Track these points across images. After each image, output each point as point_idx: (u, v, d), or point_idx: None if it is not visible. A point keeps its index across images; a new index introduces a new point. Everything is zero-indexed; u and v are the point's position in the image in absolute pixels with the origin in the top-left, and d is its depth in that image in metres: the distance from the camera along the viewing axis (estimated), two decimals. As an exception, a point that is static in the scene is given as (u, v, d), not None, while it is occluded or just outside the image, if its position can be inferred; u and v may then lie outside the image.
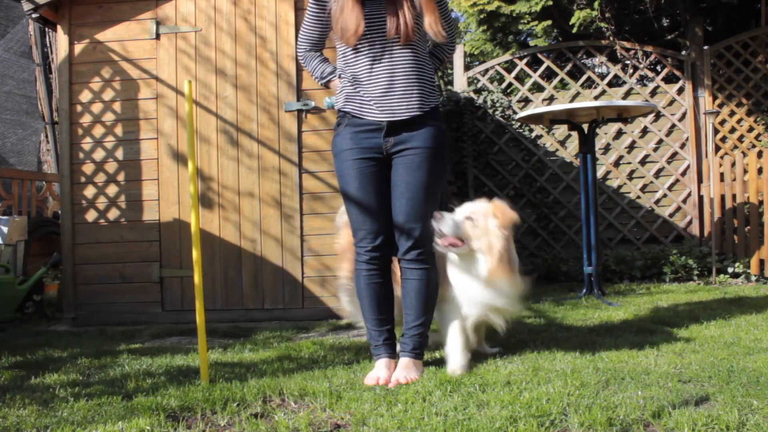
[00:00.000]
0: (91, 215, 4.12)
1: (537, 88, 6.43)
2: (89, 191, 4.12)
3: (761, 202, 5.01)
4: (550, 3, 6.11)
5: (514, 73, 6.29)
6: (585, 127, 4.54)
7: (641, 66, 6.17)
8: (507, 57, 6.49)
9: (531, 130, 6.18)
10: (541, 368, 2.37)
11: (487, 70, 6.40)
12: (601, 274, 4.80)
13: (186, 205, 4.04)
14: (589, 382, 2.15)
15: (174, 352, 2.99)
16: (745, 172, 5.12)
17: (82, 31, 4.12)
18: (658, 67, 6.31)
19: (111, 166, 4.12)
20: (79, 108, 4.13)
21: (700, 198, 5.92)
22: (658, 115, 6.06)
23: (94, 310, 4.09)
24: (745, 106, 6.05)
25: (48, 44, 7.12)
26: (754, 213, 5.05)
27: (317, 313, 3.94)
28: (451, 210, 2.55)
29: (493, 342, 2.86)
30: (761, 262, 4.96)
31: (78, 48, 4.13)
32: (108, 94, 4.11)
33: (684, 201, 5.99)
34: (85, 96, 4.13)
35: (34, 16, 4.13)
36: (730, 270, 5.16)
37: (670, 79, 6.13)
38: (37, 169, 7.08)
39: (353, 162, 2.48)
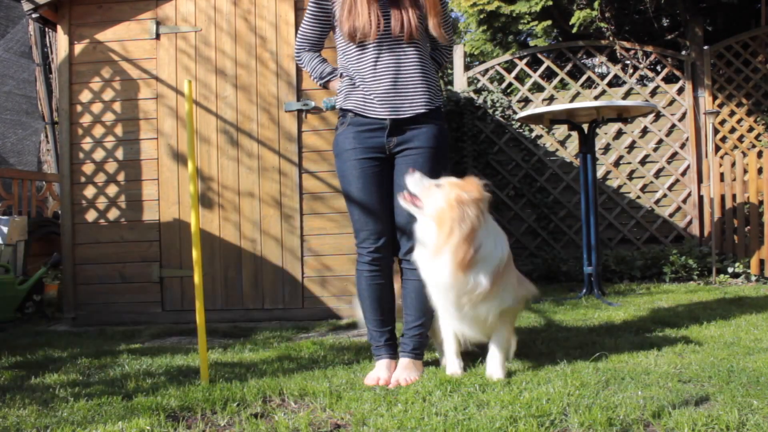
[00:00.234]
0: (91, 215, 4.12)
1: (537, 88, 6.43)
2: (89, 191, 4.12)
3: (761, 202, 5.01)
4: (550, 3, 6.11)
5: (514, 73, 6.29)
6: (585, 127, 4.54)
7: (641, 66, 6.17)
8: (507, 57, 6.49)
9: (531, 130, 6.18)
10: (541, 368, 2.36)
11: (487, 70, 6.40)
12: (601, 274, 4.80)
13: (186, 205, 4.04)
14: (589, 382, 2.15)
15: (174, 352, 2.99)
16: (745, 172, 5.12)
17: (82, 31, 4.12)
18: (658, 67, 6.31)
19: (111, 166, 4.12)
20: (79, 108, 4.13)
21: (700, 198, 5.92)
22: (658, 115, 6.06)
23: (94, 310, 4.09)
24: (745, 106, 6.05)
25: (48, 44, 7.12)
26: (754, 213, 5.05)
27: (317, 313, 3.94)
28: None
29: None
30: (761, 262, 4.96)
31: (78, 48, 4.13)
32: (108, 94, 4.11)
33: (684, 201, 5.99)
34: (85, 96, 4.13)
35: (34, 16, 4.14)
36: (730, 270, 5.16)
37: (670, 79, 6.13)
38: (37, 169, 7.08)
39: (356, 162, 2.48)
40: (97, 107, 4.12)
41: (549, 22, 6.39)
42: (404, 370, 2.41)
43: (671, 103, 6.07)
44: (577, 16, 6.08)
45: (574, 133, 5.73)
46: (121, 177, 4.11)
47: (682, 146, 6.02)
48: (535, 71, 6.26)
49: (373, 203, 2.47)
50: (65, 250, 4.12)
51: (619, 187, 6.08)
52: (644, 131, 6.10)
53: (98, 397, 2.17)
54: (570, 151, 6.11)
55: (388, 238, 2.49)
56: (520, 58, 6.31)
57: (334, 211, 3.96)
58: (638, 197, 6.04)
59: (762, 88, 6.05)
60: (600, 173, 6.04)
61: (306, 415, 1.92)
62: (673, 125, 6.03)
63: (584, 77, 6.27)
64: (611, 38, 6.19)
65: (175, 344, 3.33)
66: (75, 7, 4.12)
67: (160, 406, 2.05)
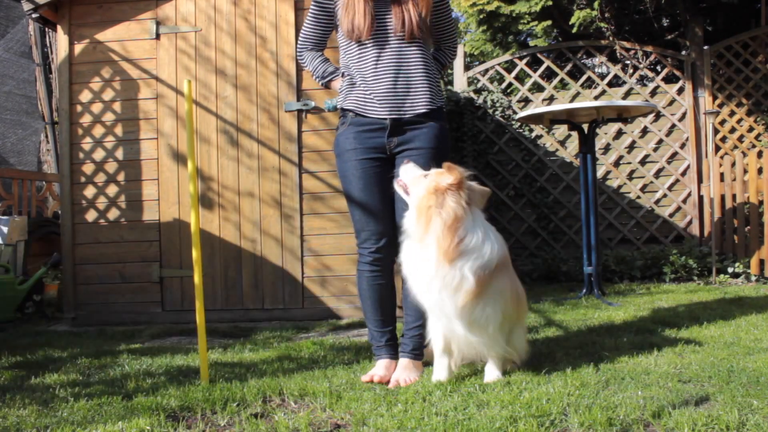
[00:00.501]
0: (91, 215, 4.12)
1: (537, 88, 6.43)
2: (89, 191, 4.12)
3: (761, 202, 5.01)
4: (550, 3, 6.11)
5: (514, 73, 6.29)
6: (585, 127, 4.54)
7: (641, 66, 6.17)
8: (507, 57, 6.49)
9: (531, 130, 6.18)
10: (541, 368, 2.36)
11: (487, 70, 6.40)
12: (601, 274, 4.80)
13: (186, 205, 4.04)
14: (589, 382, 2.15)
15: (174, 352, 2.99)
16: (745, 172, 5.12)
17: (82, 31, 4.12)
18: (658, 67, 6.31)
19: (111, 166, 4.12)
20: (79, 108, 4.13)
21: (700, 198, 5.92)
22: (658, 115, 6.06)
23: (94, 310, 4.09)
24: (745, 106, 6.05)
25: (48, 44, 7.12)
26: (754, 213, 5.05)
27: (317, 313, 3.94)
28: None
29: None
30: (761, 262, 4.96)
31: (78, 48, 4.13)
32: (108, 94, 4.11)
33: (684, 201, 5.99)
34: (85, 96, 4.13)
35: (34, 16, 4.14)
36: (730, 270, 5.16)
37: (670, 79, 6.13)
38: (37, 169, 7.08)
39: (357, 162, 2.47)
40: (97, 107, 4.12)
41: (549, 22, 6.39)
42: (404, 371, 2.41)
43: (671, 103, 6.07)
44: (577, 16, 6.08)
45: (574, 133, 5.73)
46: (121, 177, 4.11)
47: (682, 146, 6.02)
48: (535, 71, 6.26)
49: (374, 204, 2.47)
50: (65, 250, 4.12)
51: (619, 187, 6.08)
52: (644, 131, 6.10)
53: (98, 397, 2.17)
54: (570, 151, 6.11)
55: (390, 238, 2.48)
56: (520, 58, 6.31)
57: (334, 211, 3.96)
58: (638, 197, 6.04)
59: (762, 88, 6.05)
60: (600, 173, 6.04)
61: (306, 415, 1.92)
62: (673, 125, 6.03)
63: (584, 77, 6.27)
64: (611, 38, 6.19)
65: (175, 344, 3.33)
66: (75, 7, 4.12)
67: (160, 406, 2.05)
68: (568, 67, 6.35)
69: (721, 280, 5.13)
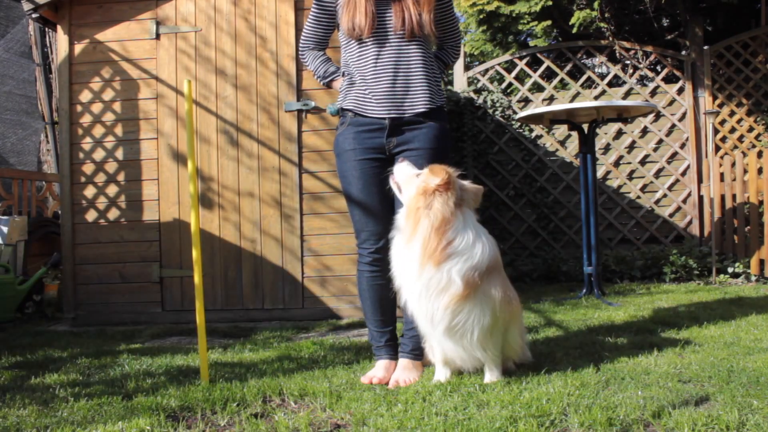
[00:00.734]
0: (91, 215, 4.12)
1: (537, 88, 6.43)
2: (89, 191, 4.12)
3: (761, 202, 5.01)
4: (550, 3, 6.11)
5: (514, 73, 6.29)
6: (585, 127, 4.54)
7: (641, 66, 6.17)
8: (507, 57, 6.49)
9: (531, 130, 6.18)
10: (541, 368, 2.36)
11: (487, 70, 6.40)
12: (601, 274, 4.80)
13: (186, 205, 4.04)
14: (589, 382, 2.15)
15: (174, 352, 2.99)
16: (745, 172, 5.12)
17: (82, 31, 4.12)
18: (658, 67, 6.31)
19: (111, 166, 4.12)
20: (79, 108, 4.13)
21: (700, 198, 5.92)
22: (658, 115, 6.06)
23: (94, 310, 4.09)
24: (745, 106, 6.05)
25: (48, 44, 7.12)
26: (754, 213, 5.05)
27: (317, 313, 3.94)
28: None
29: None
30: (761, 262, 4.96)
31: (78, 48, 4.13)
32: (108, 94, 4.11)
33: (684, 201, 5.99)
34: (85, 96, 4.13)
35: (34, 16, 4.14)
36: (730, 270, 5.16)
37: (670, 79, 6.13)
38: (37, 169, 7.08)
39: (356, 162, 2.47)
40: (97, 107, 4.12)
41: (549, 22, 6.39)
42: (404, 371, 2.41)
43: (671, 103, 6.07)
44: (577, 16, 6.08)
45: (574, 133, 5.73)
46: (121, 177, 4.11)
47: (682, 146, 6.02)
48: (535, 71, 6.26)
49: (373, 204, 2.47)
50: (65, 250, 4.12)
51: (619, 187, 6.08)
52: (644, 131, 6.10)
53: (98, 397, 2.17)
54: (570, 151, 6.11)
55: (389, 238, 2.48)
56: (520, 58, 6.31)
57: (334, 211, 3.96)
58: (638, 197, 6.04)
59: (762, 88, 6.05)
60: (600, 173, 6.04)
61: (306, 415, 1.92)
62: (673, 125, 6.03)
63: (584, 77, 6.27)
64: (611, 38, 6.19)
65: (175, 344, 3.33)
66: (75, 7, 4.12)
67: (160, 406, 2.05)
68: (568, 67, 6.35)
69: (721, 280, 5.13)
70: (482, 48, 7.55)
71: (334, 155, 2.59)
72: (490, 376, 2.25)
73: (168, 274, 4.05)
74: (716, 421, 1.73)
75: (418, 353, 2.48)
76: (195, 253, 2.37)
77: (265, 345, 3.15)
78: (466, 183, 2.27)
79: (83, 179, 4.13)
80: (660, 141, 6.04)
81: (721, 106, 6.06)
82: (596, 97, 6.08)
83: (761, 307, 3.70)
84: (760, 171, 4.97)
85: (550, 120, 4.63)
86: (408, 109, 2.44)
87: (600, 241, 4.88)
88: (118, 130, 4.11)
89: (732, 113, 6.08)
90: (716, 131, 6.03)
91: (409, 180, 2.27)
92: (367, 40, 2.44)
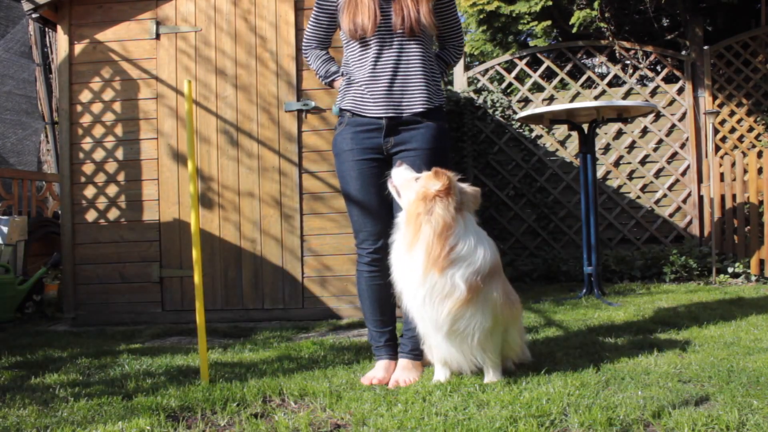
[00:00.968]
0: (91, 215, 4.12)
1: (537, 88, 6.43)
2: (89, 191, 4.12)
3: (761, 202, 5.01)
4: (550, 3, 6.11)
5: (514, 73, 6.29)
6: (585, 127, 4.54)
7: (641, 66, 6.17)
8: (507, 57, 6.49)
9: (531, 130, 6.18)
10: (541, 368, 2.36)
11: (487, 70, 6.39)
12: (601, 274, 4.80)
13: (186, 205, 4.04)
14: (589, 382, 2.15)
15: (174, 352, 2.99)
16: (745, 172, 5.12)
17: (82, 31, 4.12)
18: (658, 67, 6.31)
19: (111, 166, 4.12)
20: (79, 108, 4.13)
21: (700, 198, 5.92)
22: (658, 115, 6.06)
23: (94, 310, 4.09)
24: (745, 106, 6.05)
25: (48, 44, 7.12)
26: (754, 213, 5.05)
27: (317, 313, 3.94)
28: None
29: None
30: (761, 262, 4.96)
31: (78, 48, 4.13)
32: (108, 94, 4.11)
33: (684, 201, 5.99)
34: (85, 96, 4.13)
35: (34, 16, 4.14)
36: (730, 270, 5.16)
37: (670, 79, 6.13)
38: (37, 169, 7.08)
39: (354, 163, 2.47)
40: (97, 107, 4.12)
41: (549, 22, 6.39)
42: (403, 371, 2.41)
43: (671, 103, 6.07)
44: (577, 16, 6.08)
45: (574, 133, 5.73)
46: (121, 177, 4.11)
47: (682, 146, 6.02)
48: (535, 71, 6.26)
49: (371, 204, 2.47)
50: (65, 250, 4.12)
51: (619, 187, 6.08)
52: (644, 131, 6.10)
53: (98, 397, 2.17)
54: (570, 151, 6.11)
55: (388, 239, 2.48)
56: (520, 58, 6.31)
57: (334, 211, 3.96)
58: (638, 197, 6.04)
59: (762, 88, 6.05)
60: (600, 173, 6.04)
61: (306, 415, 1.92)
62: (673, 125, 6.03)
63: (584, 77, 6.27)
64: (611, 38, 6.19)
65: (175, 344, 3.33)
66: (75, 7, 4.12)
67: (160, 406, 2.05)
68: (568, 67, 6.35)
69: (721, 280, 5.13)
70: (482, 48, 7.55)
71: (333, 155, 2.59)
72: (490, 376, 2.25)
73: (168, 274, 4.05)
74: (716, 421, 1.73)
75: (417, 353, 2.48)
76: (195, 253, 2.37)
77: (265, 345, 3.15)
78: (465, 186, 2.26)
79: (83, 179, 4.13)
80: (660, 141, 6.04)
81: (721, 106, 6.06)
82: (596, 97, 6.08)
83: (761, 307, 3.70)
84: (760, 171, 4.97)
85: (550, 120, 4.63)
86: (406, 109, 2.44)
87: (600, 241, 4.88)
88: (118, 130, 4.11)
89: (732, 113, 6.08)
90: (716, 131, 6.03)
91: (407, 184, 2.25)
92: (369, 40, 2.44)
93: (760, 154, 4.99)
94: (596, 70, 6.87)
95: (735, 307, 3.73)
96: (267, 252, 4.00)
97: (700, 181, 5.94)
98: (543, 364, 2.43)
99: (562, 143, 6.17)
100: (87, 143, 4.13)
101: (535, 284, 5.45)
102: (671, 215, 5.99)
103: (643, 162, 6.07)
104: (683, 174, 6.00)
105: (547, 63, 6.24)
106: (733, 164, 5.27)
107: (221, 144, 4.04)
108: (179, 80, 4.04)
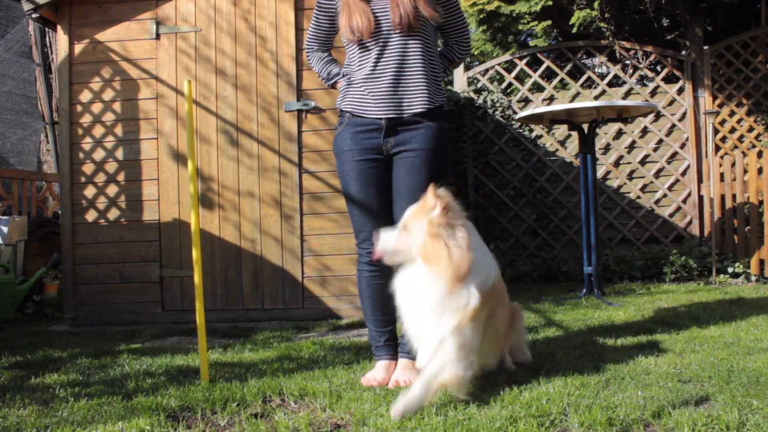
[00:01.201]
0: (91, 215, 4.12)
1: (537, 88, 6.43)
2: (89, 191, 4.12)
3: (761, 202, 5.01)
4: (550, 3, 6.11)
5: (514, 73, 6.29)
6: (585, 127, 4.54)
7: (641, 66, 6.17)
8: (507, 57, 6.49)
9: (531, 130, 6.18)
10: (541, 368, 2.36)
11: (487, 70, 6.39)
12: (601, 274, 4.80)
13: (186, 205, 4.04)
14: (589, 382, 2.15)
15: (174, 352, 2.99)
16: (745, 172, 5.12)
17: (82, 31, 4.12)
18: (658, 67, 6.31)
19: (111, 166, 4.12)
20: (79, 108, 4.13)
21: (700, 198, 5.92)
22: (658, 115, 6.06)
23: (94, 310, 4.09)
24: (745, 106, 6.05)
25: (48, 44, 7.12)
26: (754, 213, 5.05)
27: (317, 313, 3.94)
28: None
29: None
30: (761, 262, 4.96)
31: (78, 48, 4.13)
32: (108, 94, 4.11)
33: (684, 201, 5.99)
34: (85, 96, 4.13)
35: (34, 16, 4.14)
36: (730, 270, 5.16)
37: (670, 79, 6.13)
38: (37, 169, 7.08)
39: (354, 163, 2.47)
40: (97, 107, 4.12)
41: (549, 22, 6.39)
42: (403, 371, 2.40)
43: (671, 103, 6.07)
44: (577, 16, 6.08)
45: (574, 133, 5.73)
46: (121, 177, 4.11)
47: (682, 146, 6.02)
48: (535, 71, 6.26)
49: (372, 204, 2.47)
50: (65, 250, 4.12)
51: (619, 187, 6.08)
52: (644, 131, 6.10)
53: (98, 397, 2.17)
54: (570, 151, 6.11)
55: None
56: (520, 58, 6.31)
57: (334, 211, 3.96)
58: (638, 197, 6.04)
59: (762, 88, 6.05)
60: (600, 173, 6.04)
61: (306, 415, 1.92)
62: (673, 125, 6.03)
63: (584, 77, 6.27)
64: (611, 38, 6.19)
65: (175, 344, 3.33)
66: (75, 7, 4.12)
67: (160, 406, 2.05)
68: (568, 67, 6.35)
69: (721, 280, 5.13)
70: (482, 48, 7.55)
71: (334, 155, 2.59)
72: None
73: (168, 274, 4.05)
74: (716, 421, 1.73)
75: (418, 353, 2.48)
76: (195, 253, 2.37)
77: (265, 345, 3.15)
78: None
79: (83, 179, 4.13)
80: (660, 141, 6.04)
81: (721, 106, 6.06)
82: (596, 97, 6.08)
83: (761, 307, 3.70)
84: (760, 171, 4.97)
85: (550, 120, 4.63)
86: (406, 110, 2.43)
87: (600, 241, 4.87)
88: (118, 130, 4.11)
89: (732, 113, 6.08)
90: (716, 131, 6.03)
91: (400, 236, 2.10)
92: (367, 42, 2.44)
93: (760, 154, 4.99)
94: (596, 70, 6.87)
95: (735, 307, 3.73)
96: (267, 252, 4.00)
97: (700, 181, 5.94)
98: (543, 364, 2.43)
99: (562, 143, 6.17)
100: (87, 143, 4.13)
101: (535, 284, 5.45)
102: (671, 215, 5.99)
103: (643, 162, 6.07)
104: (683, 174, 6.00)
105: (547, 63, 6.24)
106: (733, 164, 5.27)
107: (221, 144, 4.04)
108: (179, 80, 4.04)
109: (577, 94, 6.16)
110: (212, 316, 3.83)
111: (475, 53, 7.71)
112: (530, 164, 6.13)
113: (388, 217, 2.47)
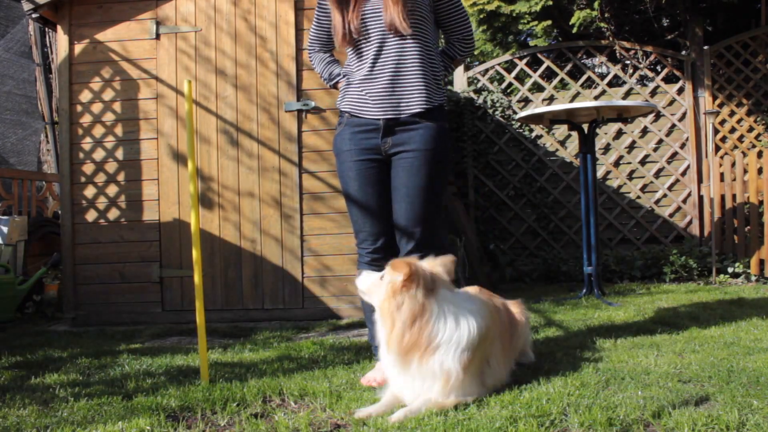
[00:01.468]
0: (91, 215, 4.12)
1: (537, 88, 6.43)
2: (89, 191, 4.12)
3: (761, 202, 5.01)
4: (550, 3, 6.11)
5: (514, 73, 6.29)
6: (585, 127, 4.54)
7: (641, 66, 6.17)
8: (507, 57, 6.49)
9: (531, 130, 6.18)
10: (541, 368, 2.36)
11: (487, 70, 6.40)
12: (601, 274, 4.80)
13: (186, 205, 4.04)
14: (589, 382, 2.15)
15: (174, 352, 2.99)
16: (745, 172, 5.12)
17: (82, 31, 4.12)
18: (658, 67, 6.31)
19: (111, 166, 4.12)
20: (79, 108, 4.13)
21: (700, 198, 5.92)
22: (658, 115, 6.06)
23: (94, 310, 4.08)
24: (745, 106, 6.05)
25: (48, 44, 7.12)
26: (754, 213, 5.05)
27: (317, 313, 3.94)
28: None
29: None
30: (761, 262, 4.96)
31: (78, 48, 4.13)
32: (108, 94, 4.11)
33: (684, 201, 5.99)
34: (85, 96, 4.13)
35: (34, 16, 4.14)
36: (730, 270, 5.16)
37: (670, 79, 6.13)
38: (37, 169, 7.08)
39: (353, 163, 2.47)
40: (97, 107, 4.12)
41: (549, 22, 6.39)
42: (404, 371, 2.40)
43: (671, 103, 6.07)
44: (577, 16, 6.08)
45: (574, 133, 5.73)
46: (121, 177, 4.11)
47: (682, 146, 6.02)
48: (535, 71, 6.26)
49: (371, 204, 2.47)
50: (65, 250, 4.12)
51: (619, 187, 6.08)
52: (644, 131, 6.10)
53: (98, 397, 2.17)
54: (570, 151, 6.11)
55: (387, 238, 2.48)
56: (520, 58, 6.31)
57: (334, 211, 3.96)
58: (638, 197, 6.04)
59: (762, 88, 6.05)
60: (600, 173, 6.04)
61: (306, 415, 1.92)
62: (673, 125, 6.03)
63: (584, 77, 6.27)
64: (611, 38, 6.19)
65: (175, 344, 3.33)
66: (75, 7, 4.12)
67: (160, 406, 2.05)
68: (568, 67, 6.35)
69: (721, 280, 5.13)
70: (482, 48, 7.55)
71: (334, 155, 2.59)
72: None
73: (168, 274, 4.05)
74: (716, 421, 1.73)
75: (418, 353, 2.48)
76: (195, 253, 2.37)
77: (265, 345, 3.15)
78: (436, 261, 2.09)
79: (83, 179, 4.13)
80: (660, 141, 6.04)
81: (721, 106, 6.06)
82: (596, 97, 6.08)
83: (761, 307, 3.70)
84: (760, 171, 4.97)
85: (550, 120, 4.63)
86: (404, 110, 2.42)
87: (600, 241, 4.88)
88: (118, 130, 4.11)
89: (732, 113, 6.08)
90: (716, 131, 6.03)
91: (375, 287, 2.11)
92: (362, 45, 2.44)
93: (760, 154, 4.99)
94: (596, 70, 6.87)
95: (735, 307, 3.73)
96: (267, 252, 4.00)
97: (700, 181, 5.94)
98: (543, 364, 2.43)
99: (562, 143, 6.17)
100: (87, 143, 4.13)
101: (535, 284, 5.45)
102: (671, 215, 5.99)
103: (643, 162, 6.07)
104: (683, 174, 6.00)
105: (547, 63, 6.25)
106: (733, 164, 5.27)
107: (221, 144, 4.04)
108: (179, 80, 4.04)
109: (577, 94, 6.17)
110: (212, 316, 3.83)
111: (475, 53, 7.72)
112: (530, 164, 6.13)
113: (387, 218, 2.47)
